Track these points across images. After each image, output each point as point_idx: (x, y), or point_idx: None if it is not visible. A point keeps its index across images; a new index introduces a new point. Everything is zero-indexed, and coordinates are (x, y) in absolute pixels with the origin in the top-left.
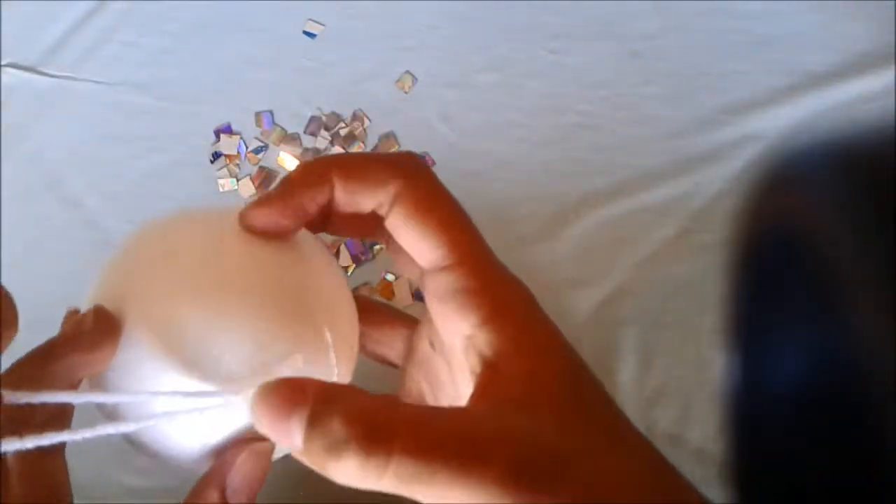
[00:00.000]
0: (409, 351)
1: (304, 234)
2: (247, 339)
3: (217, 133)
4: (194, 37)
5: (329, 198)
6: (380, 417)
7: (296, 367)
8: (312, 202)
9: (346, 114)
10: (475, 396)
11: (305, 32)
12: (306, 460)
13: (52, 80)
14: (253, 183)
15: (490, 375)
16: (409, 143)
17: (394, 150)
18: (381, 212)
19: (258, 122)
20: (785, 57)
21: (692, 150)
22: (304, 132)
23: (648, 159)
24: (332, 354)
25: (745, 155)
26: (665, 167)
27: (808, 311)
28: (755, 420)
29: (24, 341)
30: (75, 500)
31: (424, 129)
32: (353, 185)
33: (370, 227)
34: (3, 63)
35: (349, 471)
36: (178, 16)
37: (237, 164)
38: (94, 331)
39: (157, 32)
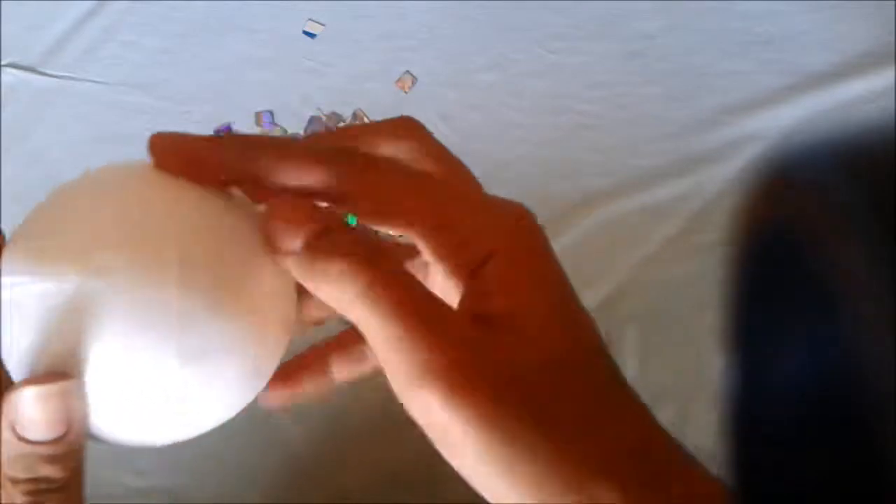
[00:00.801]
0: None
1: (238, 194)
2: (77, 237)
3: (217, 133)
4: (194, 37)
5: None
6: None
7: (117, 281)
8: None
9: (346, 114)
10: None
11: (305, 32)
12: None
13: (52, 80)
14: None
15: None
16: None
17: None
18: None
19: (258, 122)
20: (785, 57)
21: (692, 150)
22: (304, 132)
23: (648, 159)
24: (175, 288)
25: (745, 155)
26: (665, 167)
27: (808, 311)
28: (755, 420)
29: None
30: None
31: None
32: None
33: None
34: (3, 63)
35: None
36: (178, 16)
37: None
38: None
39: (157, 32)
